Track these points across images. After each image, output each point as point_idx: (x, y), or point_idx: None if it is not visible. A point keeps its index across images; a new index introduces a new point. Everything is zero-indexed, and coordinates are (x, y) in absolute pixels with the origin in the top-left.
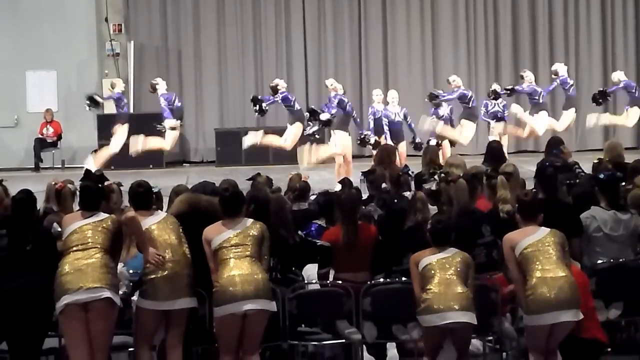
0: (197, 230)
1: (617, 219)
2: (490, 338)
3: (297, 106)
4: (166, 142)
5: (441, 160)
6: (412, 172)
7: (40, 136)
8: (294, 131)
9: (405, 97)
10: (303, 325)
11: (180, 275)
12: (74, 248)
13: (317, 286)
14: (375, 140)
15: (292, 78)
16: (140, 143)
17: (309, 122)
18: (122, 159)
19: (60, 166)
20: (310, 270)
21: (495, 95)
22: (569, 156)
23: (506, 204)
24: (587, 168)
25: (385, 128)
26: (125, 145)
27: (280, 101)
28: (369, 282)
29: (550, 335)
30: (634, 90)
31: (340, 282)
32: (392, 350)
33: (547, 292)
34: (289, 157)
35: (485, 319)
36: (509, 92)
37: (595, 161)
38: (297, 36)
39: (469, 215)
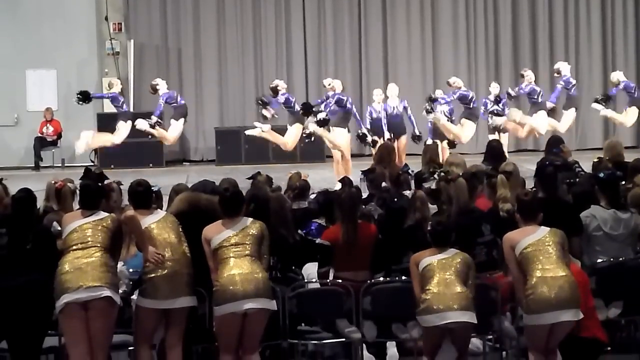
0: (197, 229)
1: (617, 218)
2: (490, 337)
3: (297, 107)
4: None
5: (441, 160)
6: (412, 171)
7: (40, 135)
8: (294, 132)
9: (405, 96)
10: (303, 324)
11: (180, 274)
12: (74, 247)
13: (317, 285)
14: (373, 140)
15: (292, 77)
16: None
17: (304, 116)
18: (122, 158)
19: (60, 165)
20: (310, 269)
21: (497, 101)
22: (568, 155)
23: (506, 203)
24: (587, 167)
25: (385, 127)
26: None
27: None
28: (368, 281)
29: (550, 335)
30: (632, 91)
31: (340, 281)
32: (392, 349)
33: (547, 291)
34: (289, 156)
35: (485, 317)
36: (510, 98)
37: (595, 160)
38: (297, 35)
39: (469, 214)
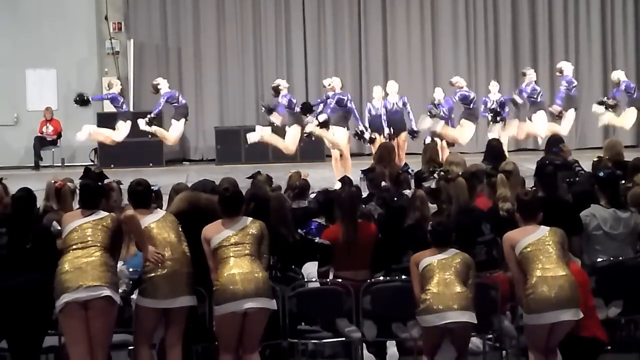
0: (197, 229)
1: (616, 217)
2: (490, 336)
3: (297, 109)
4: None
5: (440, 158)
6: (412, 170)
7: (40, 134)
8: (294, 133)
9: (404, 95)
10: (303, 324)
11: (179, 274)
12: (74, 246)
13: (317, 284)
14: (371, 137)
15: (292, 76)
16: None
17: (304, 116)
18: (122, 158)
19: (60, 164)
20: (310, 269)
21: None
22: (568, 154)
23: (506, 202)
24: (586, 166)
25: (384, 123)
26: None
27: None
28: (368, 281)
29: (550, 334)
30: (632, 92)
31: (340, 280)
32: (392, 348)
33: (547, 291)
34: (289, 155)
35: (485, 317)
36: (517, 106)
37: (595, 159)
38: (297, 35)
39: (469, 214)
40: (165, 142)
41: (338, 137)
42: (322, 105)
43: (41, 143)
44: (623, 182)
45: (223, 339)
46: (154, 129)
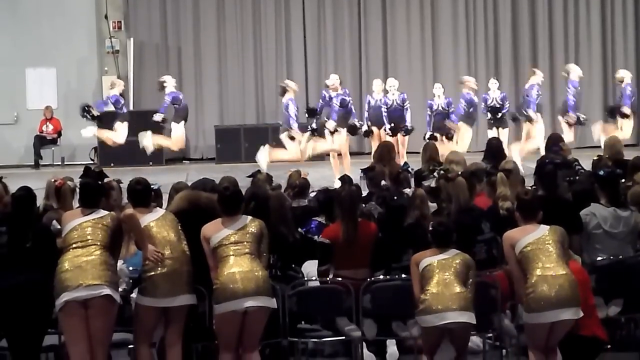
0: (197, 227)
1: (616, 216)
2: (490, 335)
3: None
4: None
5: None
6: (412, 169)
7: (39, 133)
8: (296, 141)
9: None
10: (303, 322)
11: (179, 273)
12: (74, 245)
13: (317, 283)
14: (366, 131)
15: (292, 75)
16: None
17: (309, 120)
18: (122, 157)
19: (59, 163)
20: (310, 268)
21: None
22: (568, 153)
23: (506, 201)
24: (586, 165)
25: (385, 118)
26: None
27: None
28: (368, 279)
29: (550, 333)
30: (629, 100)
31: (340, 279)
32: (392, 347)
33: (547, 290)
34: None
35: (485, 315)
36: (526, 118)
37: (595, 158)
38: (296, 33)
39: (469, 213)
40: (173, 149)
41: (337, 138)
42: (324, 106)
43: (41, 142)
44: (623, 180)
45: (223, 337)
46: (157, 142)
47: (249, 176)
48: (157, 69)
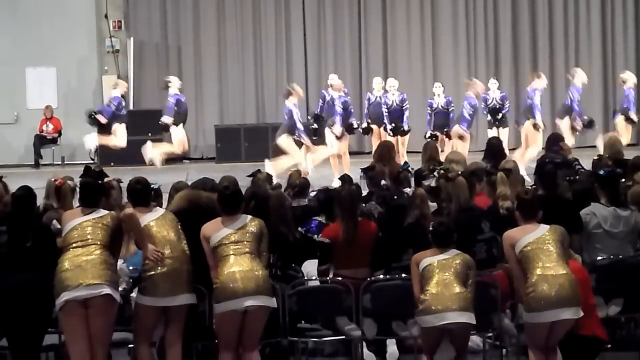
0: (197, 227)
1: (617, 216)
2: (490, 334)
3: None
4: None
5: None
6: (412, 169)
7: (40, 133)
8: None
9: (404, 92)
10: (303, 322)
11: (179, 272)
12: (74, 244)
13: (317, 283)
14: (364, 128)
15: (291, 75)
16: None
17: (314, 126)
18: (122, 156)
19: (60, 163)
20: (310, 267)
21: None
22: (568, 152)
23: (506, 201)
24: (587, 164)
25: (386, 116)
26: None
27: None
28: (368, 279)
29: (550, 333)
30: (629, 104)
31: (340, 278)
32: (391, 346)
33: (547, 289)
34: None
35: (485, 315)
36: (534, 126)
37: (595, 157)
38: (296, 33)
39: (469, 212)
40: (177, 153)
41: (335, 139)
42: (324, 106)
43: (41, 141)
44: (623, 180)
45: (223, 337)
46: (162, 151)
47: (249, 175)
48: (157, 69)
